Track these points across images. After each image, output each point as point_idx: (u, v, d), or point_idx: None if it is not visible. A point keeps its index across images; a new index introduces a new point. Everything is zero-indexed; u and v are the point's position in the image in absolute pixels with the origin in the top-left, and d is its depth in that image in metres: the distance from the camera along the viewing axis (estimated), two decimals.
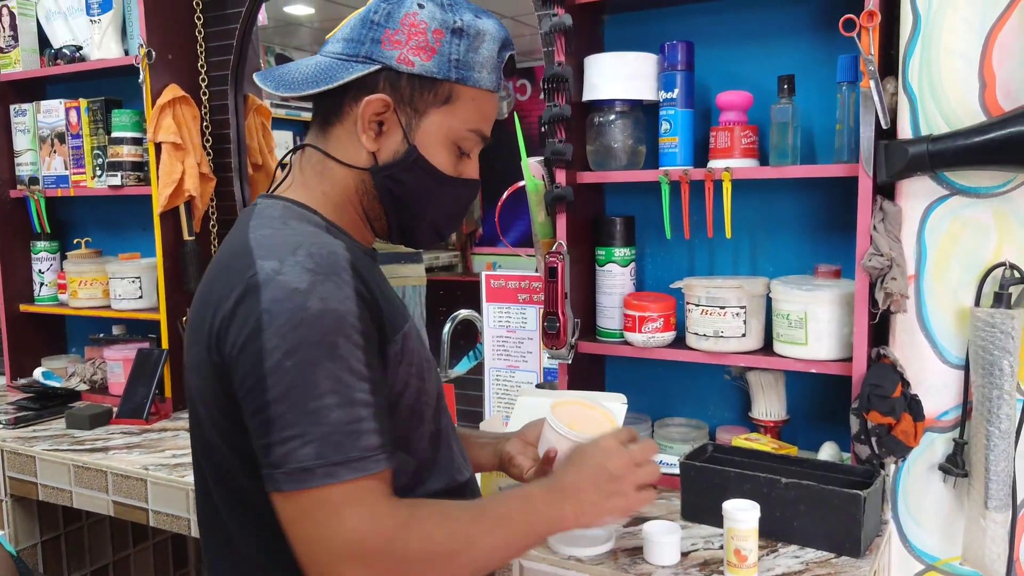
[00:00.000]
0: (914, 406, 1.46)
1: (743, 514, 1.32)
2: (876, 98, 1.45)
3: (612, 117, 1.73)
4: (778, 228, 1.75)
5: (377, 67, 0.98)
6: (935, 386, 1.51)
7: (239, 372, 0.87)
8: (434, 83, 0.99)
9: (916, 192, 1.50)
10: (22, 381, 2.59)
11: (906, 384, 1.47)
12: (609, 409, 1.27)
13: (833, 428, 1.68)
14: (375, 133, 1.00)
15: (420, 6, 0.98)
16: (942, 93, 1.45)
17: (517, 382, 1.99)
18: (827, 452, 1.63)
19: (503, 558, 0.97)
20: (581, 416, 1.24)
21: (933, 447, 1.53)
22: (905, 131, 1.48)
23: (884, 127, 1.46)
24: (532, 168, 1.77)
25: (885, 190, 1.52)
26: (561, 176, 1.73)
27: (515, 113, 1.84)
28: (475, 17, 1.01)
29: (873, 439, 1.47)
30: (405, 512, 0.87)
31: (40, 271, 2.64)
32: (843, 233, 1.65)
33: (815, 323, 1.57)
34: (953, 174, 1.47)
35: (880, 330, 1.55)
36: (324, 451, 0.83)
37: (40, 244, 2.63)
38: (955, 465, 1.50)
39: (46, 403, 2.40)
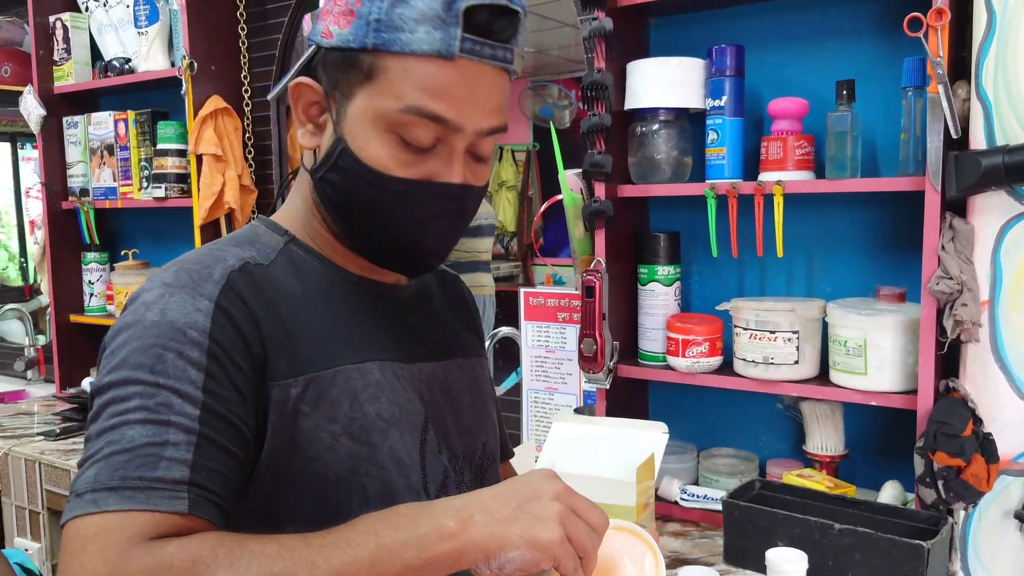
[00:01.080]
0: (987, 446, 1.31)
1: (789, 566, 1.18)
2: (945, 104, 1.31)
3: (655, 127, 1.63)
4: (836, 246, 1.62)
5: (313, 47, 0.83)
6: (1011, 424, 1.36)
7: None
8: (354, 56, 0.79)
9: (990, 208, 1.34)
10: (71, 391, 2.61)
11: (978, 422, 1.32)
12: (645, 535, 0.86)
13: (896, 466, 1.53)
14: (314, 127, 0.85)
15: None
16: (1020, 99, 1.30)
17: (556, 405, 1.89)
18: (889, 493, 1.48)
19: None
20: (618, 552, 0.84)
21: (1008, 492, 1.37)
22: (978, 141, 1.33)
23: (954, 136, 1.32)
24: (570, 181, 1.67)
25: (955, 206, 1.37)
26: (600, 190, 1.63)
27: (551, 122, 1.75)
28: None
29: (940, 482, 1.33)
30: (174, 552, 0.65)
31: (90, 282, 2.66)
32: (908, 253, 1.51)
33: (876, 351, 1.43)
34: None
35: (949, 361, 1.40)
36: (101, 474, 0.67)
37: (90, 255, 2.65)
38: None
39: None
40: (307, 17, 2.36)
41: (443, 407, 0.92)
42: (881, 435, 1.60)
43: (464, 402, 0.96)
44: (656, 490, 1.63)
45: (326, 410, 0.80)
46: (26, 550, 2.08)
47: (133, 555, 0.65)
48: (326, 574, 0.66)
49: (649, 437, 1.59)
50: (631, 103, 1.63)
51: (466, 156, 0.84)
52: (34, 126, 2.59)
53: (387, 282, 0.93)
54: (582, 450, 1.61)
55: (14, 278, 4.92)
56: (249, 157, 2.35)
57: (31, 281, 4.23)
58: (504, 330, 2.14)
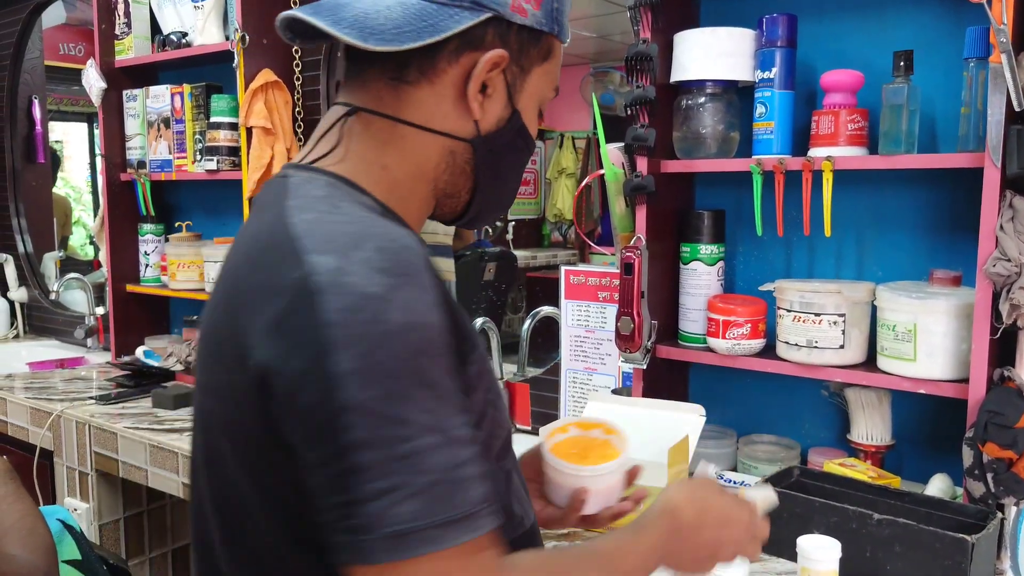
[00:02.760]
0: None
1: (820, 553, 1.14)
2: (1008, 75, 1.23)
3: (702, 100, 1.57)
4: (889, 226, 1.54)
5: (487, 15, 0.79)
6: None
7: (298, 406, 0.67)
8: (539, 36, 0.84)
9: None
10: (125, 358, 2.67)
11: None
12: (621, 431, 1.05)
13: (945, 458, 1.46)
14: (483, 97, 0.83)
15: None
16: None
17: (594, 385, 1.86)
18: (936, 486, 1.41)
19: None
20: (582, 445, 1.03)
21: None
22: None
23: (1017, 109, 1.24)
24: (611, 155, 1.63)
25: (1016, 184, 1.29)
26: (642, 164, 1.58)
27: (594, 95, 1.71)
28: None
29: (989, 475, 1.26)
30: None
31: (146, 253, 2.72)
32: (966, 235, 1.43)
33: (927, 336, 1.37)
34: None
35: (1005, 348, 1.32)
36: (428, 507, 0.65)
37: (146, 227, 2.71)
38: None
39: (141, 381, 2.45)
40: None
41: None
42: (930, 426, 1.53)
43: None
44: (691, 474, 1.58)
45: (484, 380, 0.80)
46: (74, 510, 2.14)
47: None
48: None
49: (685, 419, 1.54)
50: (677, 75, 1.58)
51: None
52: (95, 99, 2.65)
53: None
54: None
55: (91, 255, 5.09)
56: (299, 131, 2.36)
57: (97, 256, 4.37)
58: (545, 309, 2.11)
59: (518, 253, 5.25)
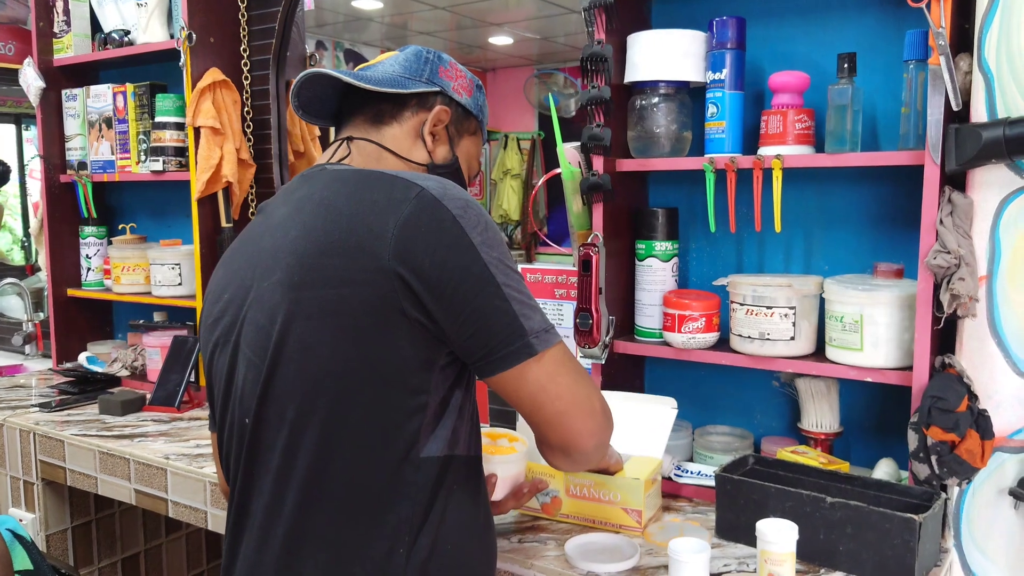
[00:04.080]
0: (981, 422, 1.31)
1: (778, 535, 1.19)
2: (947, 76, 1.29)
3: (655, 100, 1.61)
4: (835, 222, 1.60)
5: (437, 89, 1.20)
6: (1007, 400, 1.35)
7: (452, 269, 0.97)
8: (469, 115, 1.25)
9: (990, 182, 1.33)
10: (67, 365, 2.60)
11: (973, 397, 1.32)
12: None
13: (891, 444, 1.53)
14: (434, 137, 1.20)
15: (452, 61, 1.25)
16: (1023, 71, 1.29)
17: None
18: (883, 470, 1.48)
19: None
20: (491, 450, 1.33)
21: (1003, 469, 1.36)
22: (980, 114, 1.32)
23: (955, 109, 1.31)
24: (568, 154, 1.66)
25: (955, 180, 1.36)
26: (599, 163, 1.61)
27: (551, 95, 1.74)
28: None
29: (933, 457, 1.32)
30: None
31: (88, 256, 2.65)
32: (908, 230, 1.50)
33: (872, 327, 1.42)
34: None
35: (946, 336, 1.39)
36: (544, 319, 1.03)
37: (88, 229, 2.63)
38: None
39: (86, 388, 2.39)
40: None
41: None
42: (877, 413, 1.60)
43: None
44: None
45: None
46: (20, 520, 2.08)
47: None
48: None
49: (658, 411, 1.58)
50: (631, 76, 1.62)
51: None
52: (33, 99, 2.58)
53: None
54: None
55: (18, 260, 4.93)
56: (248, 131, 2.33)
57: (32, 261, 4.23)
58: None
59: None
